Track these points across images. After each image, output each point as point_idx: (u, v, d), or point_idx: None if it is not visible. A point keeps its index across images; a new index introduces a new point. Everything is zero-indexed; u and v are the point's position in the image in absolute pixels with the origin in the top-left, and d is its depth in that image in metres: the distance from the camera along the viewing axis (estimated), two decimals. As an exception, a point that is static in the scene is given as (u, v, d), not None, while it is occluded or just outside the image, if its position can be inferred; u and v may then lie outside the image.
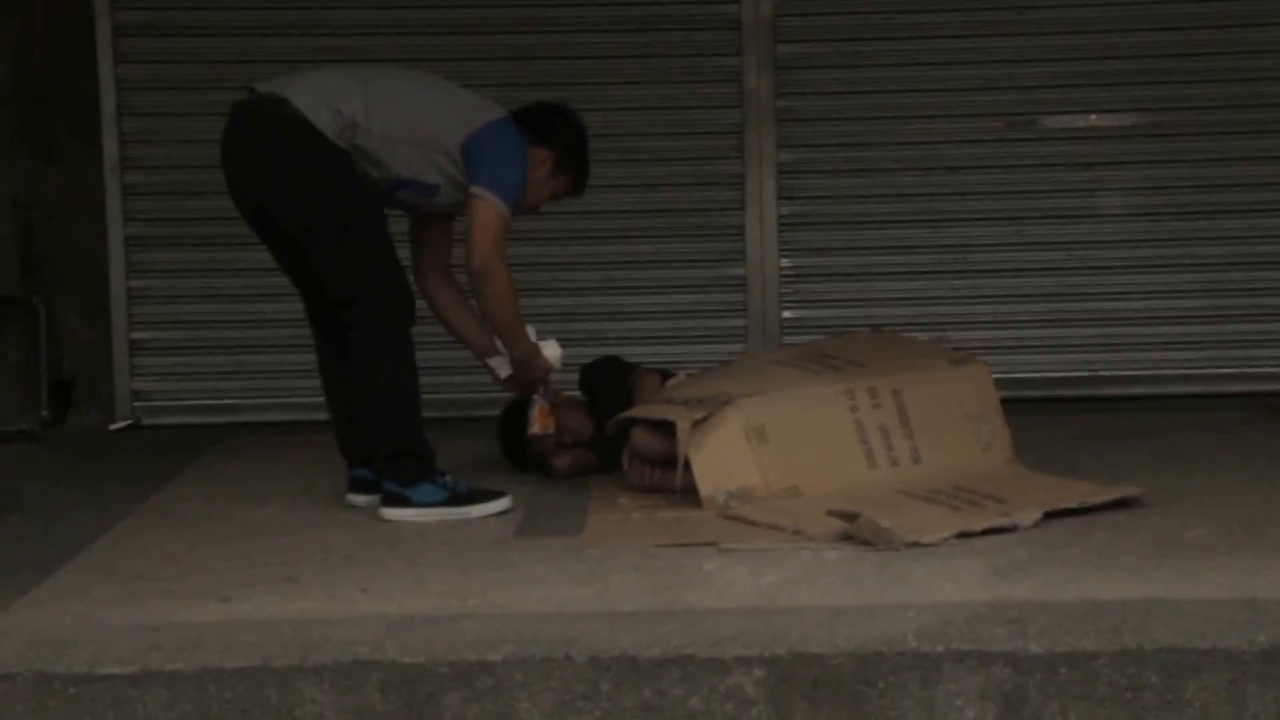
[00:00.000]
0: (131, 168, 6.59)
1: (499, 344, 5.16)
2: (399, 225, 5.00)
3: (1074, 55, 6.59)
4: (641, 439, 4.94)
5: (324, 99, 4.73)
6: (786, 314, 6.67)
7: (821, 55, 6.63)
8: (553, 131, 5.09)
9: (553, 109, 5.17)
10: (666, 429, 4.79)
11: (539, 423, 5.20)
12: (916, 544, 4.21)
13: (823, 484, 4.71)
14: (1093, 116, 6.63)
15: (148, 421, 6.62)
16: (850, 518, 4.29)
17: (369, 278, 4.74)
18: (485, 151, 4.85)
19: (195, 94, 6.51)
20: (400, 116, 4.80)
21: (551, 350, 5.20)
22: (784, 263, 6.67)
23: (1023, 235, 6.66)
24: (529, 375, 5.20)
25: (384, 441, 4.77)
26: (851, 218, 6.66)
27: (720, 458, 4.72)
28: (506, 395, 5.37)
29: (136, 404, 6.64)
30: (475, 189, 4.85)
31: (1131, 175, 6.64)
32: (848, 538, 4.28)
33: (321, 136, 4.69)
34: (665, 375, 5.36)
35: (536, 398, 5.21)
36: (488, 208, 4.84)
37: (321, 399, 5.10)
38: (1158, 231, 6.64)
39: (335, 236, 4.72)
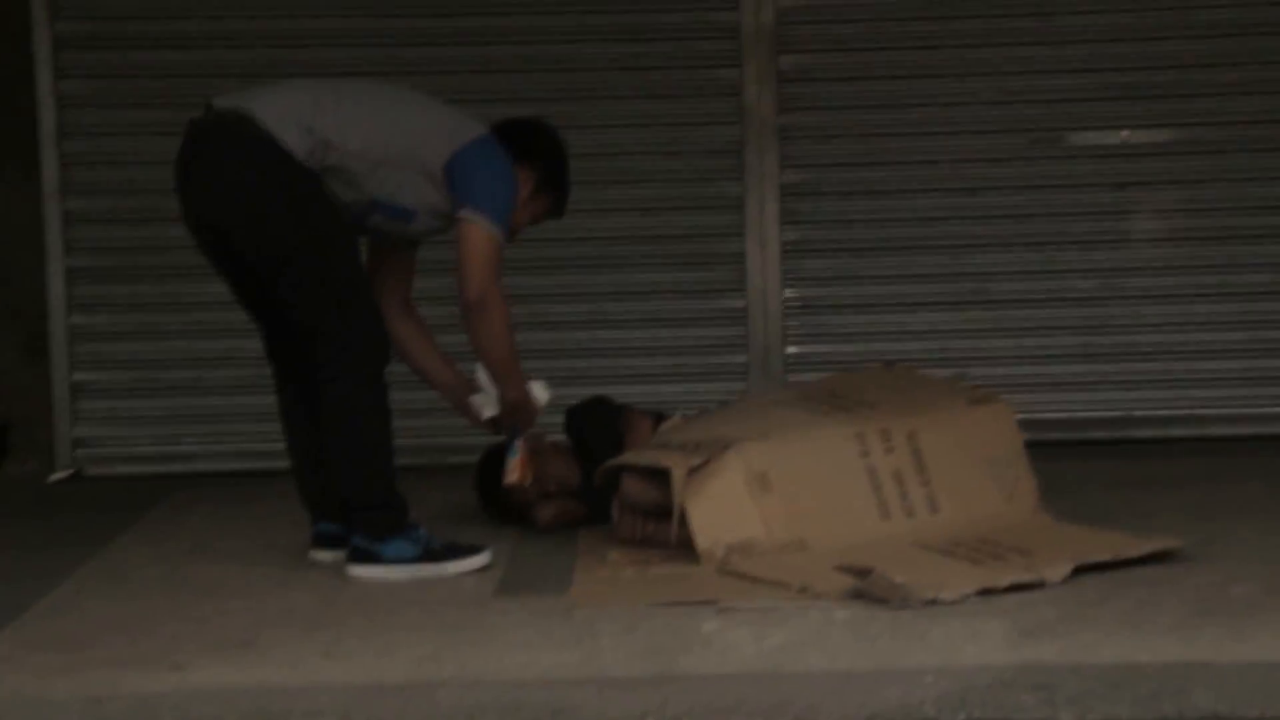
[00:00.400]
0: (73, 193, 6.61)
1: (482, 380, 5.17)
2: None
3: (1103, 65, 6.63)
4: (633, 488, 4.95)
5: (293, 116, 4.74)
6: (791, 349, 6.69)
7: (828, 67, 6.66)
8: (533, 150, 5.12)
9: (531, 125, 5.19)
10: (660, 477, 4.80)
11: (517, 472, 5.20)
12: (935, 602, 4.21)
13: (831, 536, 4.71)
14: (1124, 132, 6.66)
15: (91, 471, 6.62)
16: (862, 573, 4.29)
17: (343, 310, 4.75)
18: (472, 171, 4.87)
19: (144, 111, 6.53)
20: (378, 135, 4.81)
21: (540, 392, 5.21)
22: (788, 293, 6.69)
23: (1049, 262, 6.68)
24: (519, 420, 5.21)
25: (353, 492, 4.77)
26: (861, 244, 6.69)
27: (719, 508, 4.73)
28: (483, 439, 5.37)
29: (79, 452, 6.64)
30: (465, 212, 4.86)
31: (1167, 196, 6.67)
32: (859, 595, 4.28)
33: (291, 158, 4.70)
34: (659, 418, 5.37)
35: (517, 443, 5.22)
36: (479, 232, 4.85)
37: (282, 445, 5.10)
38: (1196, 257, 6.66)
39: (308, 266, 4.73)
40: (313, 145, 4.72)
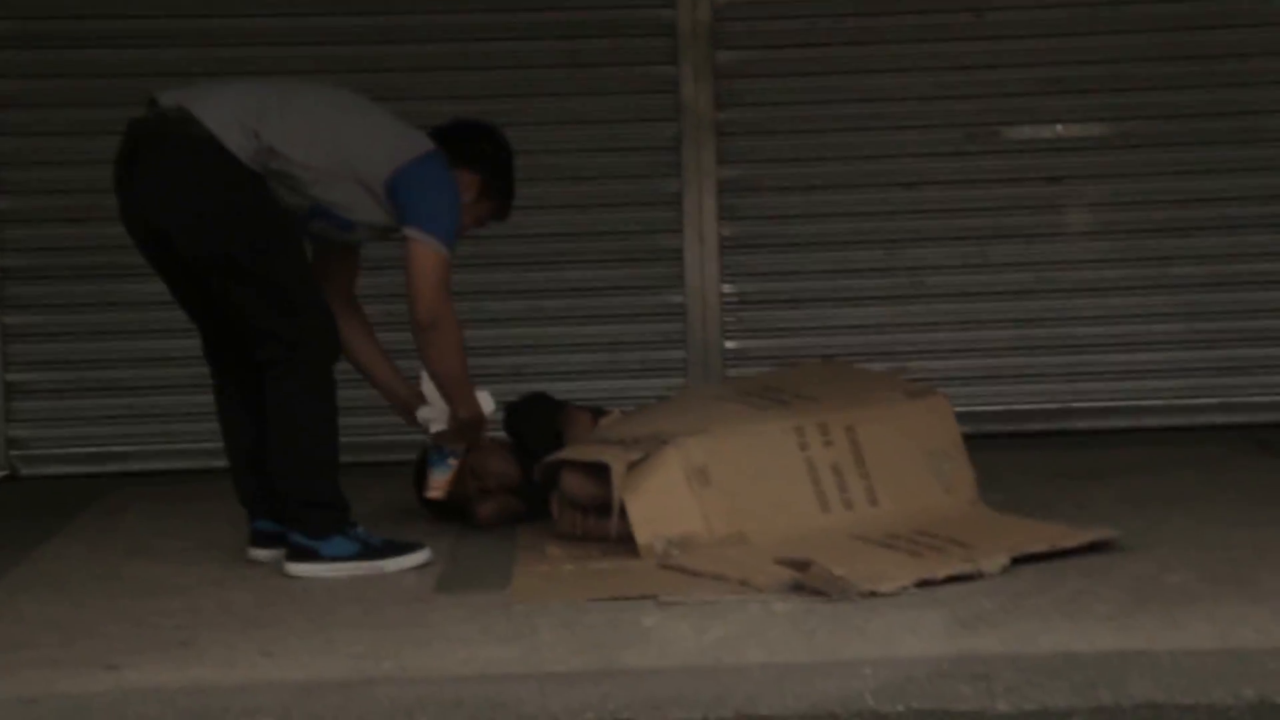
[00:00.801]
0: (5, 192, 6.56)
1: (428, 393, 5.16)
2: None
3: (1038, 60, 6.67)
4: (572, 483, 4.94)
5: (236, 119, 4.70)
6: (729, 344, 6.70)
7: (765, 62, 6.67)
8: (480, 154, 5.11)
9: (477, 127, 5.19)
10: (599, 472, 4.80)
11: (441, 490, 5.19)
12: (874, 594, 4.22)
13: (771, 530, 4.72)
14: (1059, 127, 6.70)
15: (25, 472, 6.57)
16: (801, 566, 4.30)
17: (291, 309, 4.73)
18: (416, 190, 4.85)
19: (77, 110, 6.50)
20: (320, 146, 4.78)
21: (486, 403, 5.20)
22: (726, 288, 6.69)
23: (985, 256, 6.71)
24: (470, 437, 5.19)
25: (295, 489, 4.75)
26: (799, 239, 6.70)
27: (659, 502, 4.73)
28: (421, 437, 5.36)
29: (13, 453, 6.59)
30: (410, 231, 4.84)
31: (1102, 189, 6.71)
32: (799, 588, 4.29)
33: (234, 160, 4.67)
34: (598, 413, 5.36)
35: (451, 460, 5.19)
36: (426, 252, 4.84)
37: (218, 444, 5.07)
38: (1131, 250, 6.70)
39: (254, 267, 4.70)
40: (256, 149, 4.69)
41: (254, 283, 4.72)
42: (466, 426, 5.16)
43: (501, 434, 5.46)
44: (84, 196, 6.40)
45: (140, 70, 6.38)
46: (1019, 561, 4.46)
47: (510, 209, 5.26)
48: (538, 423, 5.35)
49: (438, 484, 5.21)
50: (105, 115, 6.26)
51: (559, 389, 5.81)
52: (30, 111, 6.55)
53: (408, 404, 5.28)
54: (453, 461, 5.20)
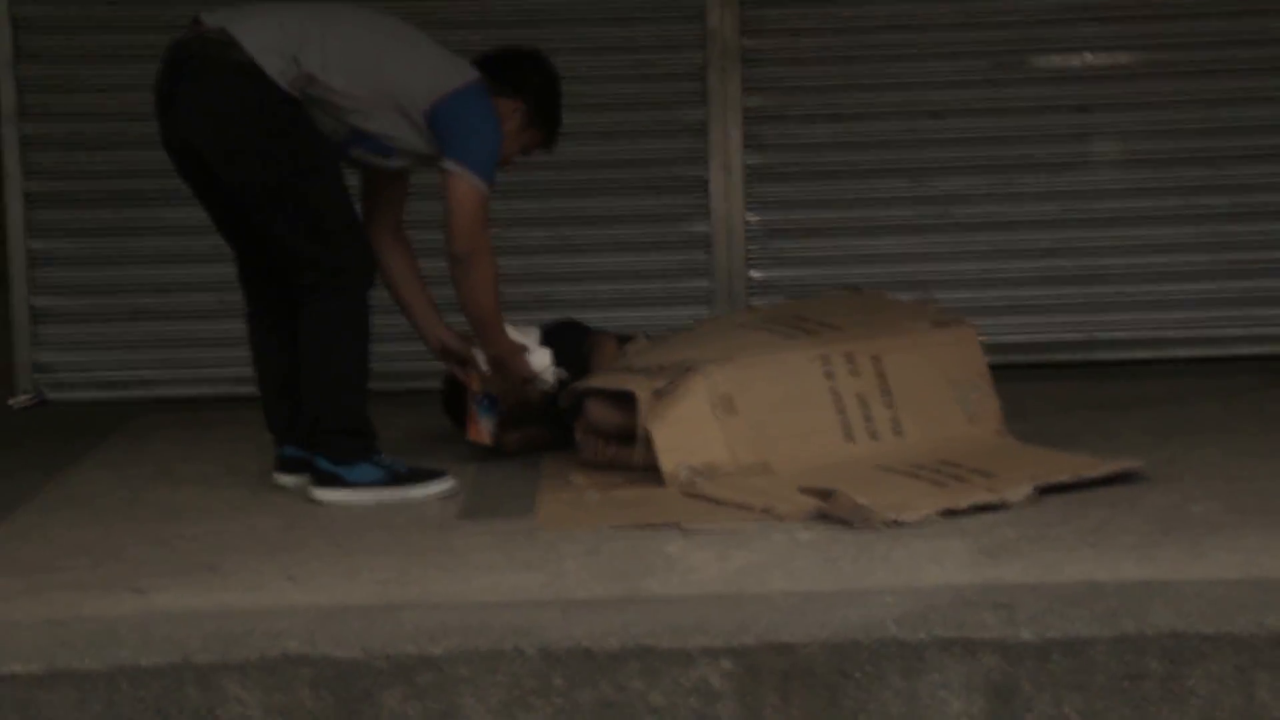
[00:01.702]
0: (31, 117, 6.55)
1: (522, 338, 5.15)
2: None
3: (1066, -12, 6.62)
4: (597, 412, 4.94)
5: (278, 45, 4.67)
6: (754, 274, 6.68)
7: (792, -10, 6.63)
8: (524, 80, 5.09)
9: (522, 54, 5.16)
10: (625, 400, 4.80)
11: (484, 436, 5.16)
12: (897, 523, 4.22)
13: (795, 459, 4.72)
14: (1087, 55, 6.65)
15: (52, 397, 6.60)
16: (825, 495, 4.30)
17: (330, 236, 4.72)
18: (456, 121, 4.83)
19: (103, 35, 6.48)
20: (361, 74, 4.76)
21: (540, 359, 5.17)
22: (751, 218, 6.67)
23: (1011, 186, 6.68)
24: (505, 378, 5.17)
25: (324, 415, 4.75)
26: (825, 168, 6.67)
27: (683, 430, 4.73)
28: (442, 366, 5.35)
29: (39, 378, 6.61)
30: (448, 164, 4.83)
31: (1130, 119, 6.67)
32: (822, 517, 4.30)
33: (275, 86, 4.65)
34: (624, 340, 5.35)
35: (499, 403, 5.15)
36: (464, 185, 4.83)
37: (245, 371, 5.09)
38: (1159, 180, 6.67)
39: (292, 195, 4.70)
40: (296, 76, 4.68)
41: (292, 209, 4.72)
42: (497, 366, 5.14)
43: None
44: (109, 122, 6.41)
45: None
46: (1043, 492, 4.46)
47: (557, 138, 5.22)
48: (566, 348, 5.34)
49: (486, 431, 5.19)
50: (132, 40, 6.28)
51: (583, 318, 5.80)
52: (56, 36, 6.53)
53: (441, 345, 5.26)
54: (495, 411, 5.19)
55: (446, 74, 4.89)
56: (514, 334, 5.16)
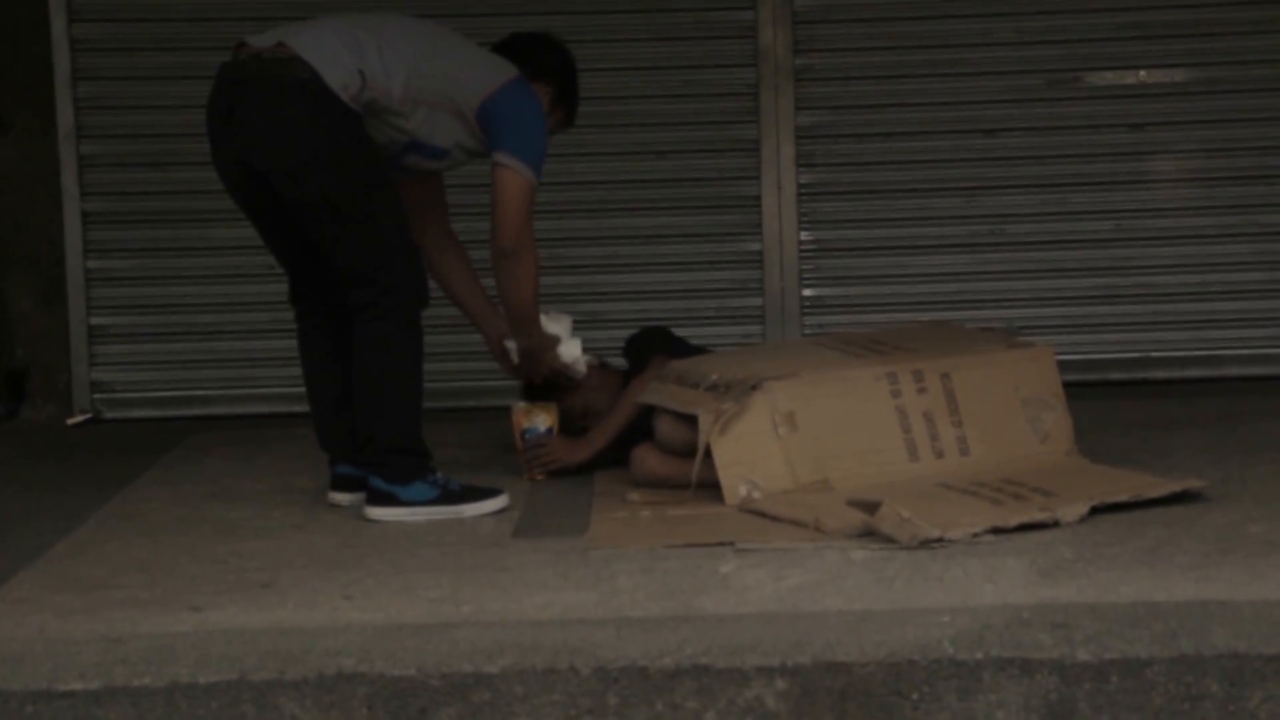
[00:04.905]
0: (88, 137, 6.59)
1: (557, 329, 5.20)
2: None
3: (1120, 5, 6.58)
4: (665, 428, 4.93)
5: (339, 58, 4.71)
6: (807, 292, 6.67)
7: (844, 7, 6.61)
8: (547, 66, 5.16)
9: (538, 39, 5.24)
10: (691, 419, 4.77)
11: (531, 471, 5.18)
12: (941, 539, 4.20)
13: (857, 477, 4.69)
14: (1142, 73, 6.62)
15: (109, 415, 6.62)
16: (871, 507, 4.27)
17: (388, 254, 4.74)
18: (508, 117, 4.88)
19: (160, 55, 6.51)
20: (417, 79, 4.80)
21: (570, 350, 5.19)
22: (804, 236, 6.66)
23: (1065, 204, 6.65)
24: (536, 369, 5.20)
25: (378, 433, 4.76)
26: (877, 186, 6.66)
27: (745, 446, 4.71)
28: (502, 383, 5.36)
29: (96, 396, 6.64)
30: (500, 156, 4.87)
31: (1185, 136, 6.64)
32: (868, 533, 4.26)
33: (337, 99, 4.68)
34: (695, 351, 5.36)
35: (547, 433, 5.17)
36: (516, 178, 4.87)
37: (300, 389, 5.10)
38: (1214, 198, 6.63)
39: (355, 210, 4.71)
40: (360, 87, 4.71)
41: (353, 226, 4.73)
42: (529, 357, 5.17)
43: (620, 360, 5.44)
44: (165, 141, 6.44)
45: (224, 14, 6.38)
46: (1100, 511, 4.43)
47: (575, 116, 5.28)
48: (648, 356, 5.32)
49: (522, 419, 5.20)
50: (188, 60, 6.31)
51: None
52: (113, 56, 6.57)
53: (501, 339, 5.28)
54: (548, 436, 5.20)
55: (492, 71, 4.96)
56: (546, 323, 5.18)
